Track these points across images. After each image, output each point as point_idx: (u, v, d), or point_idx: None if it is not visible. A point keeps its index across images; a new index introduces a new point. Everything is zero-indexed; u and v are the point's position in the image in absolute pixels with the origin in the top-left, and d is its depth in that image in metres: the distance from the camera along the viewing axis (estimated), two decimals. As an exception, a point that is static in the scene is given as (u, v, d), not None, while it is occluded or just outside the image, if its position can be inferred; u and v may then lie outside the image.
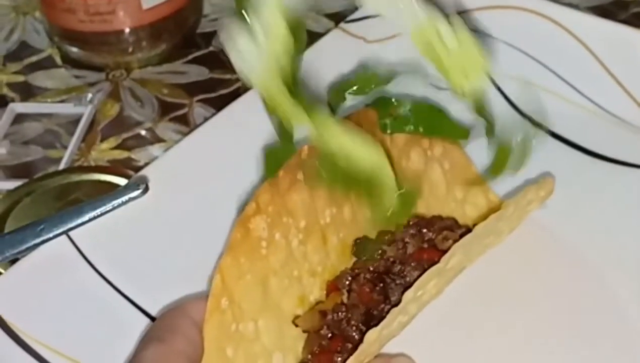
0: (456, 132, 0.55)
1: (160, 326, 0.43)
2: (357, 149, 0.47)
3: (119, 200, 0.53)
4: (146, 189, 0.53)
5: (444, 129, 0.54)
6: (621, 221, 0.54)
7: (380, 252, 0.48)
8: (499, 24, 0.67)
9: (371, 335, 0.41)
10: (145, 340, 0.42)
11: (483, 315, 0.50)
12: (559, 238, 0.53)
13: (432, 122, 0.53)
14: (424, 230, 0.49)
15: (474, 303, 0.50)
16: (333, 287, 0.47)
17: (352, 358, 0.41)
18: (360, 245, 0.49)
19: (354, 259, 0.49)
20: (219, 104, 0.67)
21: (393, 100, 0.54)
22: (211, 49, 0.76)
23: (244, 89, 0.70)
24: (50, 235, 0.52)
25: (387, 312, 0.42)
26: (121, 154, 0.66)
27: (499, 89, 0.64)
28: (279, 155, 0.47)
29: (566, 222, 0.54)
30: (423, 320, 0.47)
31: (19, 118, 0.70)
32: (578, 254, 0.52)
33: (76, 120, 0.68)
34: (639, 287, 0.50)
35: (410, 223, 0.49)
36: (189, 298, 0.45)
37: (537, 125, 0.60)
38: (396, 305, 0.42)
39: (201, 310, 0.42)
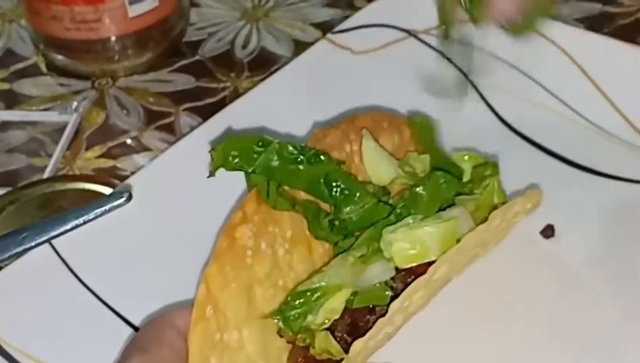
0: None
1: (144, 336, 0.43)
2: None
3: (103, 209, 0.52)
4: (130, 198, 0.53)
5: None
6: (609, 233, 0.54)
7: None
8: (485, 36, 0.67)
9: (357, 345, 0.41)
10: (129, 350, 0.41)
11: (469, 325, 0.50)
12: (545, 250, 0.54)
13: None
14: None
15: (460, 313, 0.50)
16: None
17: None
18: None
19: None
20: (206, 113, 0.67)
21: None
22: (197, 57, 0.75)
23: (230, 98, 0.70)
24: (33, 243, 0.52)
25: (373, 323, 0.42)
26: (106, 163, 0.65)
27: (485, 101, 0.64)
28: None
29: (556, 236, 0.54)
30: (408, 331, 0.47)
31: (4, 126, 0.70)
32: (564, 265, 0.53)
33: (61, 129, 0.68)
34: (626, 298, 0.51)
35: None
36: (174, 308, 0.45)
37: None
38: (382, 315, 0.42)
39: (186, 319, 0.41)
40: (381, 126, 0.53)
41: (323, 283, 0.44)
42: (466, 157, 0.53)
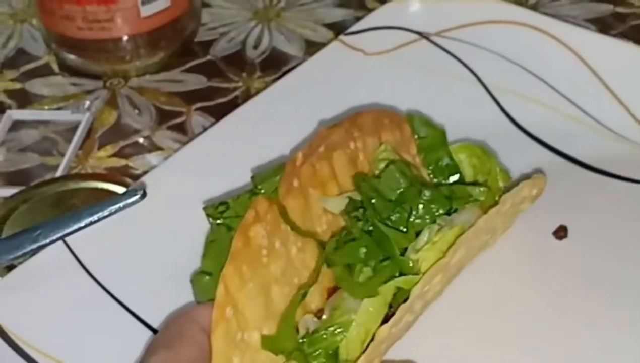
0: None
1: (168, 332, 0.43)
2: None
3: (117, 206, 0.52)
4: (144, 195, 0.53)
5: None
6: (622, 235, 0.54)
7: None
8: (497, 38, 0.67)
9: (382, 332, 0.42)
10: (154, 346, 0.42)
11: (485, 321, 0.50)
12: (558, 252, 0.54)
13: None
14: None
15: (475, 308, 0.50)
16: (333, 293, 0.46)
17: (363, 356, 0.42)
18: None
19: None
20: (217, 113, 0.67)
21: None
22: (209, 57, 0.75)
23: (242, 98, 0.70)
24: (47, 240, 0.52)
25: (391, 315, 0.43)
26: (118, 162, 0.66)
27: (497, 102, 0.64)
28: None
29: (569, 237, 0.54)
30: (426, 325, 0.47)
31: (16, 125, 0.70)
32: (576, 266, 0.53)
33: (73, 128, 0.68)
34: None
35: None
36: (196, 305, 0.45)
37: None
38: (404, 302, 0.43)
39: (209, 315, 0.42)
40: (382, 123, 0.53)
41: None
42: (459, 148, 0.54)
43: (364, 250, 0.46)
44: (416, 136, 0.54)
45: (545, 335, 0.49)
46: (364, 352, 0.43)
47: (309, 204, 0.47)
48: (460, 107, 0.63)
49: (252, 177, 0.49)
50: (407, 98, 0.63)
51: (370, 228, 0.47)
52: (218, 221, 0.49)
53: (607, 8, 0.78)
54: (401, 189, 0.48)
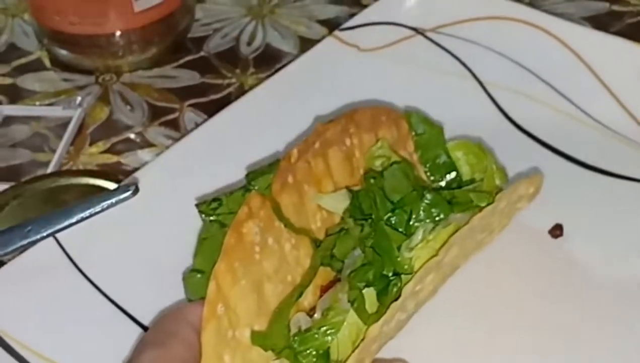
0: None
1: (158, 329, 0.42)
2: None
3: (109, 202, 0.52)
4: (136, 191, 0.53)
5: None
6: (617, 233, 0.54)
7: None
8: (493, 34, 0.67)
9: (373, 330, 0.42)
10: (143, 344, 0.41)
11: (479, 320, 0.50)
12: (554, 250, 0.53)
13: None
14: None
15: (466, 313, 0.50)
16: (326, 290, 0.46)
17: (352, 356, 0.41)
18: None
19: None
20: (210, 109, 0.66)
21: None
22: (202, 53, 0.75)
23: (236, 95, 0.69)
24: (38, 237, 0.52)
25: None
26: (110, 158, 0.65)
27: (493, 99, 0.64)
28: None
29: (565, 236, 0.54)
30: (419, 324, 0.47)
31: (7, 121, 0.69)
32: (572, 264, 0.52)
33: (65, 124, 0.68)
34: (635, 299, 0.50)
35: None
36: (187, 302, 0.44)
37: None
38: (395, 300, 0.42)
39: (199, 313, 0.41)
40: (380, 120, 0.53)
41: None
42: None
43: (361, 255, 0.46)
44: (413, 133, 0.54)
45: (540, 334, 0.49)
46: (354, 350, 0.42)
47: (303, 201, 0.47)
48: (455, 104, 0.63)
49: (246, 174, 0.49)
50: (402, 94, 0.62)
51: (369, 228, 0.46)
52: (211, 218, 0.48)
53: (603, 6, 0.78)
54: (404, 193, 0.47)
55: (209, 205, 0.48)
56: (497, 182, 0.52)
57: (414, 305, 0.46)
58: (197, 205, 0.48)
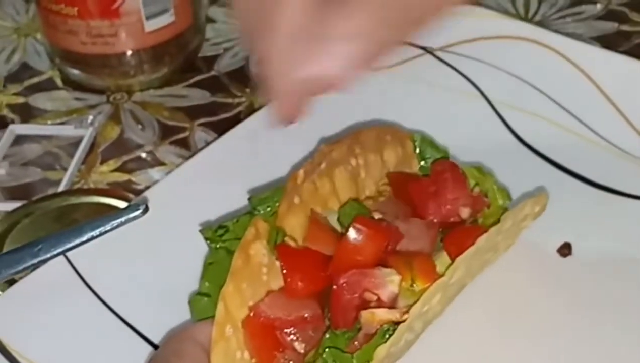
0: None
1: (167, 350, 0.42)
2: None
3: (119, 221, 0.52)
4: (146, 210, 0.53)
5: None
6: (626, 251, 0.54)
7: None
8: (502, 54, 0.67)
9: (381, 352, 0.42)
10: None
11: (487, 338, 0.49)
12: (562, 269, 0.53)
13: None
14: None
15: (478, 327, 0.50)
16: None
17: None
18: None
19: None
20: (221, 128, 0.66)
21: None
22: (213, 72, 0.75)
23: (246, 113, 0.70)
24: (48, 255, 0.52)
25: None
26: (121, 177, 0.65)
27: (502, 118, 0.64)
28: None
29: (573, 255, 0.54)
30: (427, 344, 0.47)
31: (19, 139, 0.70)
32: (581, 283, 0.52)
33: (76, 143, 0.68)
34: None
35: None
36: (195, 322, 0.44)
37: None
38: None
39: (208, 333, 0.41)
40: (385, 139, 0.53)
41: None
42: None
43: None
44: (420, 157, 0.54)
45: (548, 353, 0.49)
46: None
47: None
48: (464, 123, 0.63)
49: (249, 199, 0.49)
50: (411, 113, 0.62)
51: None
52: (217, 245, 0.48)
53: (612, 26, 0.78)
54: None
55: (215, 232, 0.48)
56: (500, 202, 0.52)
57: (421, 326, 0.46)
58: (201, 231, 0.48)
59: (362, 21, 0.43)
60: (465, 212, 0.50)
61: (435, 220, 0.49)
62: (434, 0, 0.45)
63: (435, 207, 0.50)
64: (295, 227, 0.46)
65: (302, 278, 0.44)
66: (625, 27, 0.78)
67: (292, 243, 0.45)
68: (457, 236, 0.48)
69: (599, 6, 0.80)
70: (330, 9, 0.43)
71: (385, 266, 0.45)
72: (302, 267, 0.44)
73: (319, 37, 0.43)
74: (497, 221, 0.48)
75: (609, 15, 0.79)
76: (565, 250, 0.54)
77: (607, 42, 0.75)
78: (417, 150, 0.54)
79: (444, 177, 0.50)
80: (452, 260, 0.45)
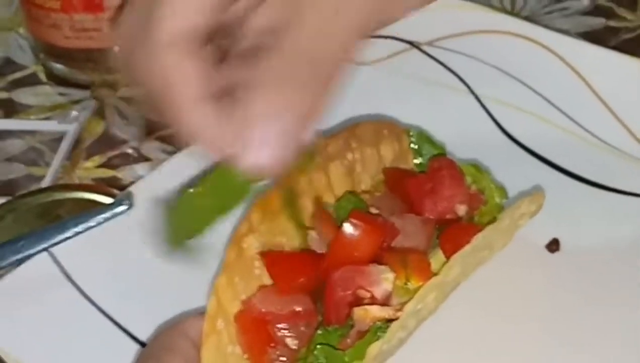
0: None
1: (157, 345, 0.42)
2: None
3: (104, 216, 0.52)
4: (131, 206, 0.52)
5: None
6: (614, 247, 0.54)
7: None
8: (489, 48, 0.66)
9: (372, 349, 0.41)
10: (142, 360, 0.41)
11: (477, 335, 0.49)
12: (551, 264, 0.53)
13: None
14: None
15: (470, 324, 0.50)
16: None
17: None
18: None
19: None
20: (207, 123, 0.66)
21: None
22: (199, 68, 0.75)
23: (231, 109, 0.69)
24: (32, 251, 0.51)
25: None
26: (106, 173, 0.65)
27: (489, 113, 0.64)
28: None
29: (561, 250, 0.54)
30: (419, 342, 0.47)
31: (2, 135, 0.69)
32: (569, 279, 0.52)
33: (60, 138, 0.67)
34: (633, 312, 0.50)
35: None
36: (186, 316, 0.44)
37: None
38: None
39: (199, 328, 0.41)
40: (382, 134, 0.52)
41: None
42: None
43: None
44: (417, 153, 0.54)
45: (537, 350, 0.48)
46: None
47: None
48: (451, 118, 0.63)
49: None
50: (397, 108, 0.62)
51: None
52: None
53: (600, 22, 0.78)
54: None
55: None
56: (497, 199, 0.52)
57: (415, 323, 0.45)
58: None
59: (280, 91, 0.37)
60: (461, 210, 0.50)
61: (432, 217, 0.49)
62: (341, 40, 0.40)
63: (432, 203, 0.49)
64: (288, 224, 0.46)
65: (292, 283, 0.44)
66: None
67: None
68: (453, 234, 0.48)
69: (585, 2, 0.80)
70: (233, 71, 0.38)
71: (380, 263, 0.44)
72: (290, 273, 0.44)
73: (234, 116, 0.38)
74: (494, 219, 0.47)
75: (596, 11, 0.79)
76: (553, 246, 0.54)
77: (595, 37, 0.75)
78: (414, 146, 0.54)
79: (441, 174, 0.50)
80: (448, 258, 0.45)
